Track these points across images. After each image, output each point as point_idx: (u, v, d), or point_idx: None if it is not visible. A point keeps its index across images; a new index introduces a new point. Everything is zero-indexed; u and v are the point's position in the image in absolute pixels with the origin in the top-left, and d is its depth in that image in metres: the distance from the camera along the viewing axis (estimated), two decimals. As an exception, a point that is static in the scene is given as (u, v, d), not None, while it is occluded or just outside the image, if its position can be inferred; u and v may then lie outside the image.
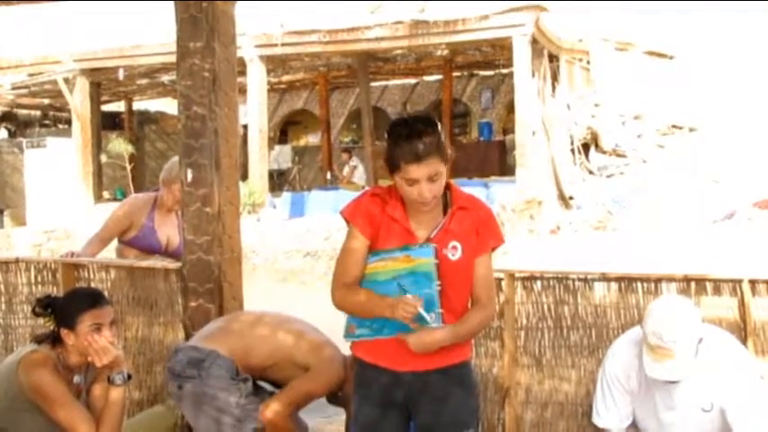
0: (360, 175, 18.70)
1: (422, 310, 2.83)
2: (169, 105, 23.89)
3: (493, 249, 3.03)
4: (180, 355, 3.61)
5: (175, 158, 4.78)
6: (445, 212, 2.98)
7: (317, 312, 4.97)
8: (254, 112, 15.54)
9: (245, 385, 3.55)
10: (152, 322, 4.47)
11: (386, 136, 2.89)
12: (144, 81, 19.65)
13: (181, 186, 4.12)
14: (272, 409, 3.52)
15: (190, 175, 4.00)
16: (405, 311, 2.81)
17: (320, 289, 7.27)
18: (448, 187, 2.97)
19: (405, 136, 2.81)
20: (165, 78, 18.94)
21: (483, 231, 2.98)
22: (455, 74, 20.68)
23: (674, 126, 15.89)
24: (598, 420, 3.46)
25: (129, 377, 3.48)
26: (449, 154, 2.87)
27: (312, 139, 24.37)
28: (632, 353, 3.34)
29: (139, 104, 24.15)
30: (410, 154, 2.79)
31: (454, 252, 2.93)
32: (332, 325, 3.53)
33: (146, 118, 23.72)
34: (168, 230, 5.03)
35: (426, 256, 2.87)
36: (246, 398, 3.53)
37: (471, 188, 11.04)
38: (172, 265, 4.40)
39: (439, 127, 2.86)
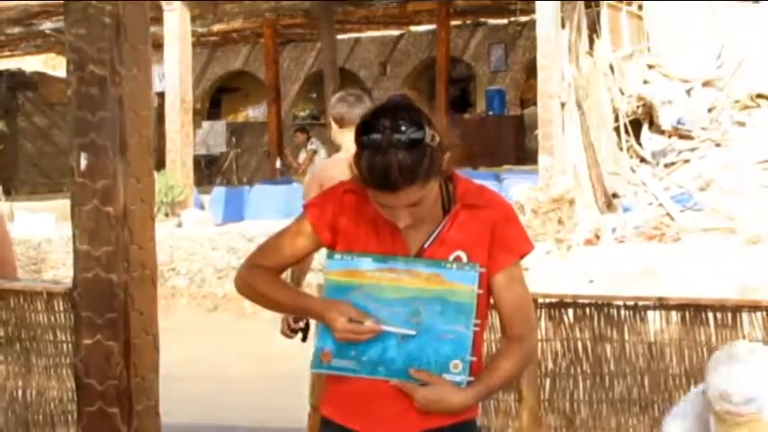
0: (321, 164, 18.70)
1: (388, 327, 2.81)
2: (53, 64, 23.78)
3: (521, 257, 3.02)
4: None
5: None
6: (446, 212, 2.96)
7: (266, 353, 4.98)
8: (174, 75, 15.50)
9: None
10: (28, 367, 4.44)
11: (353, 135, 2.83)
12: (16, 30, 19.54)
13: None
14: None
15: (84, 162, 3.98)
16: (345, 328, 2.83)
17: (268, 321, 7.26)
18: (450, 179, 2.96)
19: (374, 155, 2.74)
20: (47, 26, 18.84)
21: (502, 235, 2.95)
22: (454, 23, 20.73)
23: (759, 96, 16.01)
24: None
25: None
26: (442, 163, 2.82)
27: (254, 112, 24.36)
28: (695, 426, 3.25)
29: (9, 63, 24.02)
30: (378, 184, 2.77)
31: None
32: (290, 367, 3.53)
33: (19, 82, 23.56)
34: None
35: (467, 281, 2.87)
36: None
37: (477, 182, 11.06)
38: (57, 286, 4.39)
39: (427, 132, 2.76)
